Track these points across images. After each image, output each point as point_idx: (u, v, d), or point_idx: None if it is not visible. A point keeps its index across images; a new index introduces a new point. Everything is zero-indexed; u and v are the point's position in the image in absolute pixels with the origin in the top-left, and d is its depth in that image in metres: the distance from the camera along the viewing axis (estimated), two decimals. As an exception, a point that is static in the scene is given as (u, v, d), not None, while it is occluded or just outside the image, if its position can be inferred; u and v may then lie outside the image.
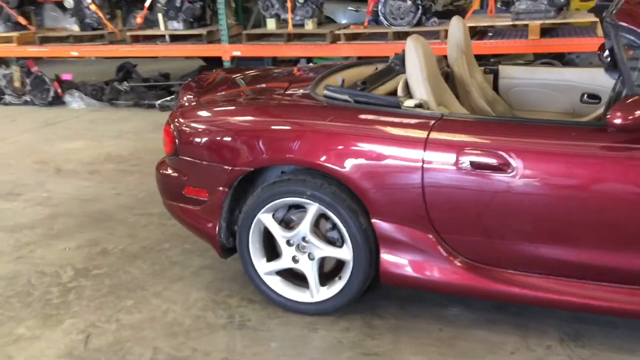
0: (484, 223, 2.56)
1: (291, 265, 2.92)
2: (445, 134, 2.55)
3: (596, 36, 5.65)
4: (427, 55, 2.90)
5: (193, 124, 3.07)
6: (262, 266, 2.97)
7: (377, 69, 3.47)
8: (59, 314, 3.09)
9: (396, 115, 2.71)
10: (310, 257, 2.87)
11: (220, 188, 2.95)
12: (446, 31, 5.97)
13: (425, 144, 2.55)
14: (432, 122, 2.60)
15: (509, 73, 3.70)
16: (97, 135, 6.37)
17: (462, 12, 7.10)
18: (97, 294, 3.25)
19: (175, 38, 7.32)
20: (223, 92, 3.36)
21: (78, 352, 2.79)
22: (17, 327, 3.00)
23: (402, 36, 6.38)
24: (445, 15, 6.65)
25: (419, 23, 6.36)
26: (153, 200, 4.42)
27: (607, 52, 3.22)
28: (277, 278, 2.98)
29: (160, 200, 3.40)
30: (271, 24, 6.94)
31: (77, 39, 7.71)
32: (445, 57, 3.60)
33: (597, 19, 5.36)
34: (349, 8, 8.53)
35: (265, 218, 2.88)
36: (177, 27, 7.26)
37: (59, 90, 7.83)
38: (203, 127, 3.04)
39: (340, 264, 2.88)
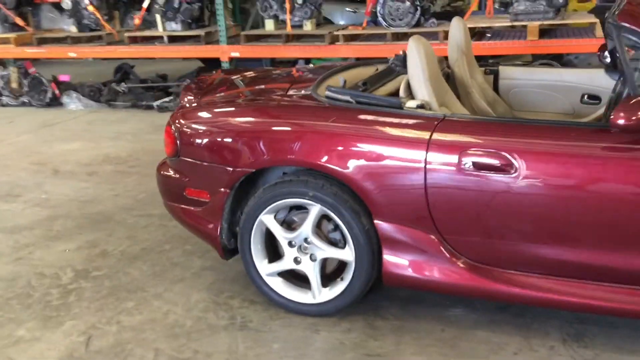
0: (486, 224, 2.56)
1: (293, 266, 2.92)
2: (448, 134, 2.55)
3: (595, 37, 5.66)
4: (428, 56, 2.90)
5: (194, 125, 3.06)
6: (264, 267, 2.96)
7: (377, 69, 3.46)
8: (59, 316, 3.08)
9: (398, 116, 2.70)
10: (312, 258, 2.86)
11: (222, 189, 2.94)
12: (445, 32, 6.00)
13: (428, 145, 2.55)
14: (435, 123, 2.60)
15: (509, 74, 3.70)
16: (95, 137, 6.36)
17: (460, 13, 7.11)
18: (97, 296, 3.24)
19: (173, 39, 7.31)
20: (223, 94, 3.36)
21: (79, 353, 2.78)
22: (17, 328, 2.99)
23: (400, 37, 6.39)
24: (444, 16, 6.67)
25: (417, 24, 6.36)
26: (152, 202, 4.41)
27: (607, 53, 3.23)
28: (279, 279, 2.97)
29: (160, 202, 3.39)
30: (269, 25, 6.93)
31: (75, 40, 7.70)
32: (446, 57, 3.60)
33: (595, 20, 5.39)
34: (347, 9, 8.54)
35: (267, 219, 2.88)
36: (175, 28, 7.25)
37: (57, 92, 7.82)
38: (204, 128, 3.03)
39: (342, 265, 2.87)
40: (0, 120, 7.33)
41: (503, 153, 2.45)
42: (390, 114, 2.72)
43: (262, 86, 3.47)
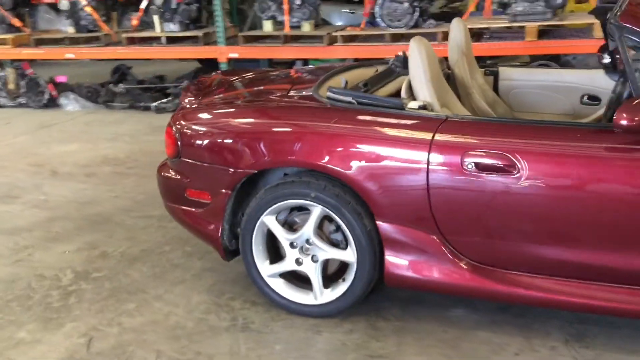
0: (489, 224, 2.56)
1: (294, 267, 2.91)
2: (450, 135, 2.55)
3: (593, 38, 5.67)
4: (430, 57, 2.90)
5: (195, 126, 3.05)
6: (266, 268, 2.96)
7: (377, 70, 3.46)
8: (60, 318, 3.07)
9: (400, 117, 2.70)
10: (314, 260, 2.86)
11: (223, 190, 2.94)
12: (443, 33, 6.00)
13: (430, 146, 2.55)
14: (437, 123, 2.60)
15: (509, 75, 3.70)
16: (93, 138, 6.34)
17: (458, 14, 7.12)
18: (97, 297, 3.23)
19: (171, 40, 7.29)
20: (222, 95, 3.35)
21: (80, 355, 2.77)
22: (17, 330, 2.98)
23: (399, 38, 6.39)
24: (442, 17, 6.67)
25: (415, 25, 6.36)
26: (151, 203, 4.40)
27: (606, 54, 3.24)
28: (281, 280, 2.97)
29: (159, 203, 3.38)
30: (268, 26, 6.92)
31: (73, 41, 7.67)
32: (446, 58, 3.60)
33: (593, 21, 5.40)
34: (344, 10, 8.54)
35: (269, 220, 2.87)
36: (173, 28, 7.23)
37: (54, 93, 7.79)
38: (205, 129, 3.02)
39: (344, 266, 2.87)
40: (-2, 122, 7.31)
41: (506, 154, 2.45)
42: (392, 115, 2.72)
43: (263, 87, 3.47)
